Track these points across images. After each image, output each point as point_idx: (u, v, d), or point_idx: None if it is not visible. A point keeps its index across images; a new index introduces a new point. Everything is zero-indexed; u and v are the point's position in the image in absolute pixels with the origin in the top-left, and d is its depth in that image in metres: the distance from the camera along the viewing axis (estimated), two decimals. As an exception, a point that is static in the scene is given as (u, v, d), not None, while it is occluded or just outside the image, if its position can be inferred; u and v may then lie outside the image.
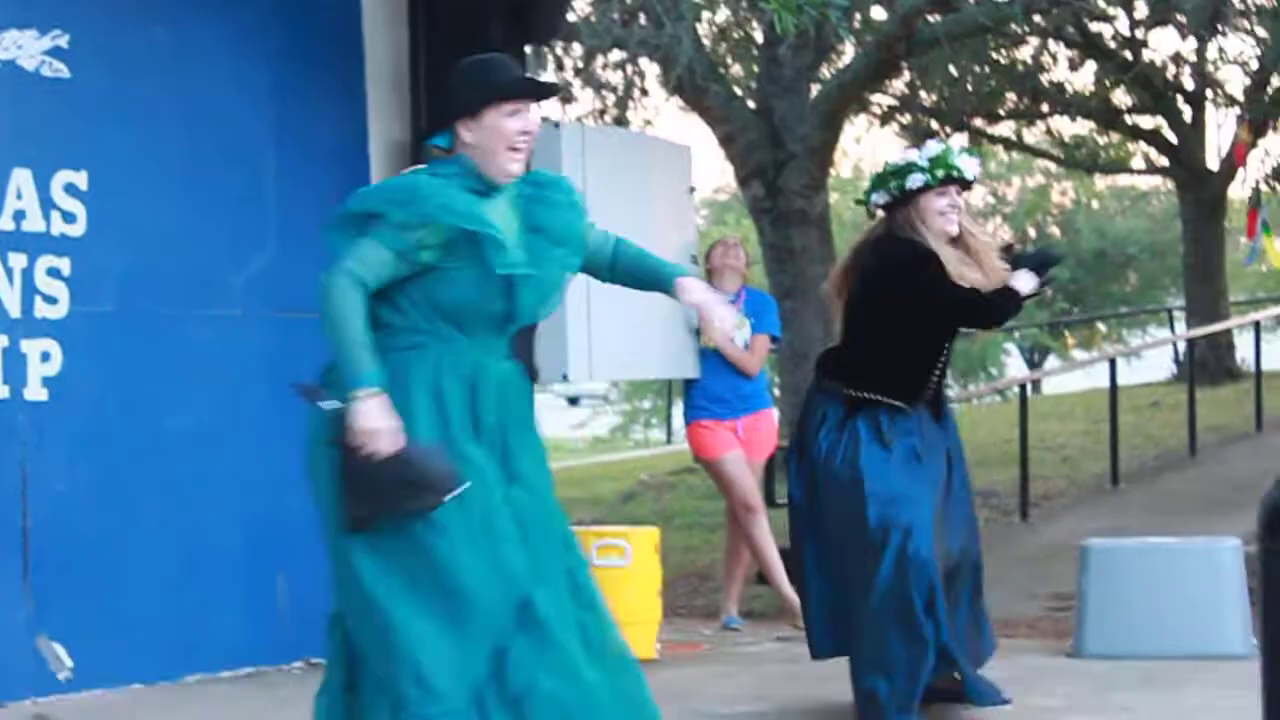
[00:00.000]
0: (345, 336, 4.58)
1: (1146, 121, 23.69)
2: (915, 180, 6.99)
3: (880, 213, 7.17)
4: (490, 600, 4.57)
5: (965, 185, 7.08)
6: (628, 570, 8.98)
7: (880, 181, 7.13)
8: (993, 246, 7.22)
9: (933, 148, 7.12)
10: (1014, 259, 7.19)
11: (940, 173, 6.98)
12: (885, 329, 7.03)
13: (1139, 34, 20.41)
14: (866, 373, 7.04)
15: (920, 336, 7.05)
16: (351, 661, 4.79)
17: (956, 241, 7.05)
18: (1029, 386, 18.20)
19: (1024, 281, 7.06)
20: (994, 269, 7.07)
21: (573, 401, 35.73)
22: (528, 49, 10.20)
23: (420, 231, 4.60)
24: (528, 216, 4.82)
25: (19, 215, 7.88)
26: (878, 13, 16.24)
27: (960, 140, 22.52)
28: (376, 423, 4.56)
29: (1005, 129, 24.04)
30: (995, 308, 7.06)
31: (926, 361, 7.12)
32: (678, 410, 22.61)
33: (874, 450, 6.95)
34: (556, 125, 9.93)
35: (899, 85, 19.89)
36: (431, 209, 4.60)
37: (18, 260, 7.88)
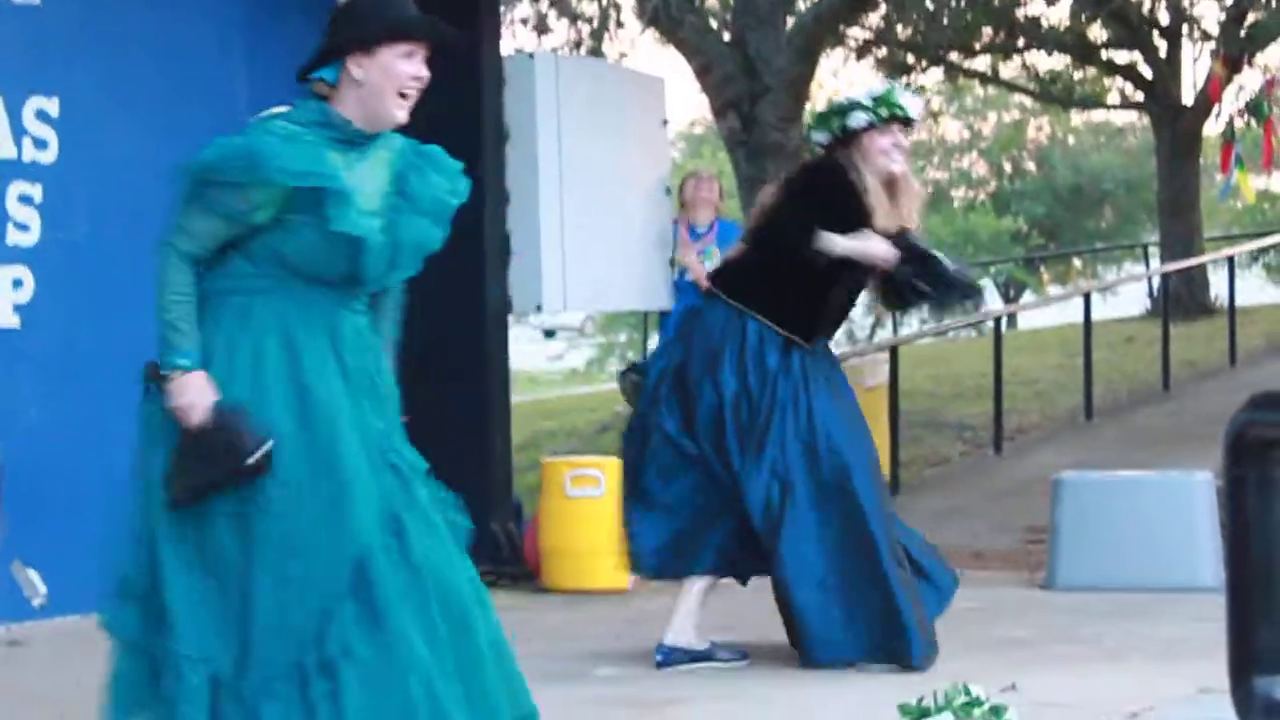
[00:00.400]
0: (162, 314, 4.54)
1: (1122, 56, 23.68)
2: (858, 119, 6.91)
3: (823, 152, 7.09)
4: (321, 559, 4.40)
5: (908, 124, 7.03)
6: (602, 500, 8.96)
7: (822, 120, 7.07)
8: (919, 197, 7.16)
9: (876, 86, 7.10)
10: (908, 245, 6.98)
11: (884, 111, 6.91)
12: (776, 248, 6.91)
13: (1116, -32, 20.37)
14: (766, 293, 6.92)
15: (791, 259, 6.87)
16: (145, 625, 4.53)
17: (892, 183, 6.98)
18: (1004, 321, 18.23)
19: (878, 247, 6.85)
20: (908, 218, 6.99)
21: (549, 334, 35.76)
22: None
23: (255, 193, 4.44)
24: (399, 179, 4.63)
25: (-9, 141, 7.86)
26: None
27: (936, 74, 22.52)
28: (191, 398, 4.52)
29: (981, 63, 24.01)
30: (803, 238, 6.79)
31: (815, 294, 6.97)
32: (654, 344, 22.57)
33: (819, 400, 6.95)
34: (531, 56, 9.89)
35: (875, 19, 19.84)
36: (268, 172, 4.42)
37: (-10, 186, 7.86)
